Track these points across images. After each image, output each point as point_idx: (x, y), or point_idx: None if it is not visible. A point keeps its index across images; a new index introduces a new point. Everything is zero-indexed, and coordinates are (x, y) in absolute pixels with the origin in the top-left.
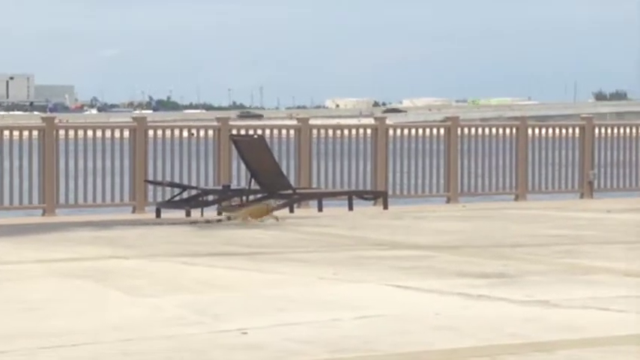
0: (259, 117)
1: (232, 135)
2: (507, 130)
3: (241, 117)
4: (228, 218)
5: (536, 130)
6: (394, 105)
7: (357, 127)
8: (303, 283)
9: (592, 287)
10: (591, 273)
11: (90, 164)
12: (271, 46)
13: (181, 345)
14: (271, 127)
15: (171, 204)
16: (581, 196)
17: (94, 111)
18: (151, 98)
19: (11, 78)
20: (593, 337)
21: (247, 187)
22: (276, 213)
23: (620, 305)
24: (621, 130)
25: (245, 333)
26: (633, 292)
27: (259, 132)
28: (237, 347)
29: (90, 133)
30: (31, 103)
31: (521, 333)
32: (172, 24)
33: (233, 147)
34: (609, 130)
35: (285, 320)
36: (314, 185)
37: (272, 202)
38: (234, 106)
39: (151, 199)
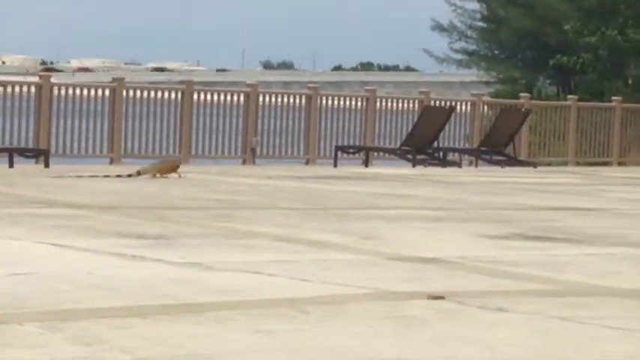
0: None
1: None
2: (173, 94)
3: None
4: (138, 173)
5: (202, 95)
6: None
7: (22, 83)
8: None
9: (247, 251)
10: (247, 237)
11: None
12: None
13: None
14: None
15: None
16: (244, 162)
17: None
18: None
19: None
20: (243, 299)
21: None
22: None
23: (271, 269)
24: (285, 99)
25: None
26: (285, 257)
27: None
28: None
29: None
30: None
31: (173, 294)
32: None
33: None
34: (274, 99)
35: None
36: None
37: (178, 160)
38: None
39: None
